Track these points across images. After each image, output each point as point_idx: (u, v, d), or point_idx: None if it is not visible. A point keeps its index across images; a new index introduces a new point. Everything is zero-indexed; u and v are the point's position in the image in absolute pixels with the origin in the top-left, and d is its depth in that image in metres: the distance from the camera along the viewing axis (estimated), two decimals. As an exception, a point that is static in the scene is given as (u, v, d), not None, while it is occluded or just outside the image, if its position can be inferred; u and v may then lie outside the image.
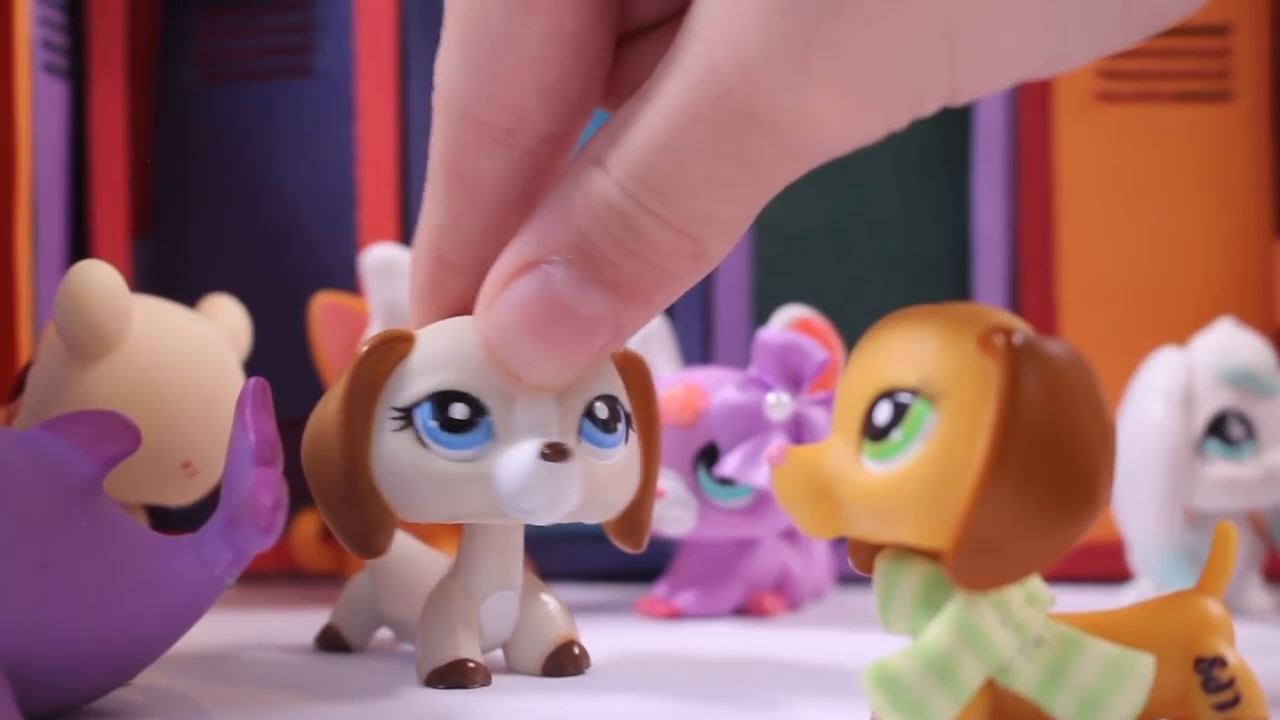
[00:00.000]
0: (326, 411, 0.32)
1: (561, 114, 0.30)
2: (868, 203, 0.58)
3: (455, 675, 0.33)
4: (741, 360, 0.53)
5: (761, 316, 0.52)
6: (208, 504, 0.33)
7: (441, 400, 0.31)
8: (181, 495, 0.41)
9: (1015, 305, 0.57)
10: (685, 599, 0.47)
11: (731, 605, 0.47)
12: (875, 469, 0.25)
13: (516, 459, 0.31)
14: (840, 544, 0.43)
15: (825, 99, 0.25)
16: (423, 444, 0.31)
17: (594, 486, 0.32)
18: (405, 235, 0.55)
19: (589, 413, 0.32)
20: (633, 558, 0.38)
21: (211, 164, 0.58)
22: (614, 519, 0.34)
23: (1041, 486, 0.23)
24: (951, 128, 0.57)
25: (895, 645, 0.25)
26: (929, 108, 0.26)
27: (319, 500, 0.32)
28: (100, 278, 0.38)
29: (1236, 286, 0.57)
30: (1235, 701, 0.26)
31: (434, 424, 0.31)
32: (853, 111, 0.25)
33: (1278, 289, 0.57)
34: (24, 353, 0.50)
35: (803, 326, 0.47)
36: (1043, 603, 0.25)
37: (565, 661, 0.34)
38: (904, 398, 0.24)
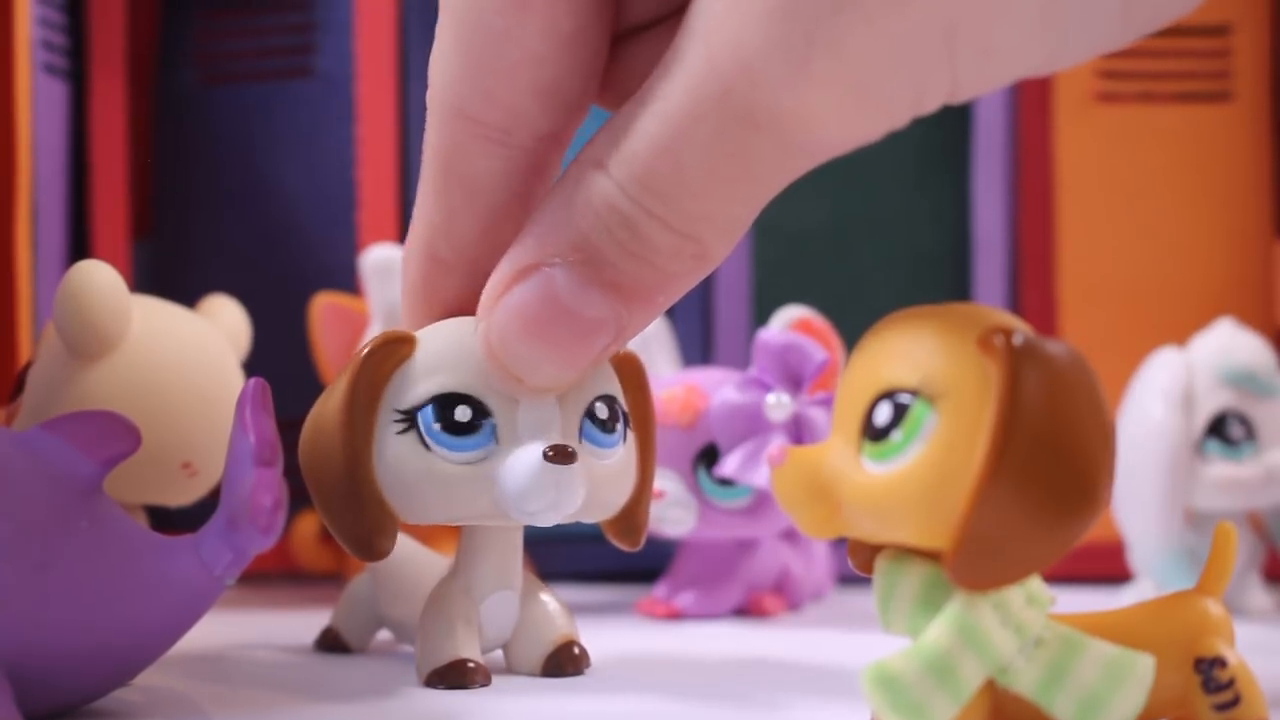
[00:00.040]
0: (325, 412, 0.32)
1: (557, 113, 0.30)
2: (868, 203, 0.58)
3: (455, 675, 0.33)
4: (741, 361, 0.53)
5: (761, 317, 0.52)
6: (208, 504, 0.33)
7: (445, 403, 0.31)
8: (181, 495, 0.41)
9: (1015, 305, 0.57)
10: (685, 599, 0.47)
11: (731, 606, 0.47)
12: (875, 469, 0.25)
13: (521, 461, 0.31)
14: (840, 544, 0.43)
15: (825, 98, 0.25)
16: (426, 446, 0.31)
17: (593, 487, 0.32)
18: (405, 236, 0.55)
19: (590, 413, 0.32)
20: (633, 558, 0.38)
21: (211, 165, 0.58)
22: (612, 518, 0.34)
23: (1041, 487, 0.23)
24: (951, 127, 0.57)
25: (895, 646, 0.25)
26: (929, 107, 0.26)
27: (318, 502, 0.32)
28: (100, 278, 0.38)
29: (1236, 286, 0.57)
30: (1235, 702, 0.26)
31: (437, 426, 0.31)
32: (853, 111, 0.25)
33: (1278, 289, 0.57)
34: (24, 353, 0.50)
35: (803, 327, 0.47)
36: (1043, 603, 0.25)
37: (565, 661, 0.34)
38: (904, 398, 0.24)
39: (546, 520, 0.32)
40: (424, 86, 0.31)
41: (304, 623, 0.43)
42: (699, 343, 0.57)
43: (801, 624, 0.46)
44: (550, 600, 0.35)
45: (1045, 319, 0.56)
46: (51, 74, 0.54)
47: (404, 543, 0.38)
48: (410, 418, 0.32)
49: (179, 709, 0.32)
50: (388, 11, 0.56)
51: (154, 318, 0.40)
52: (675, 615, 0.47)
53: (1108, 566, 0.52)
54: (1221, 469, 0.46)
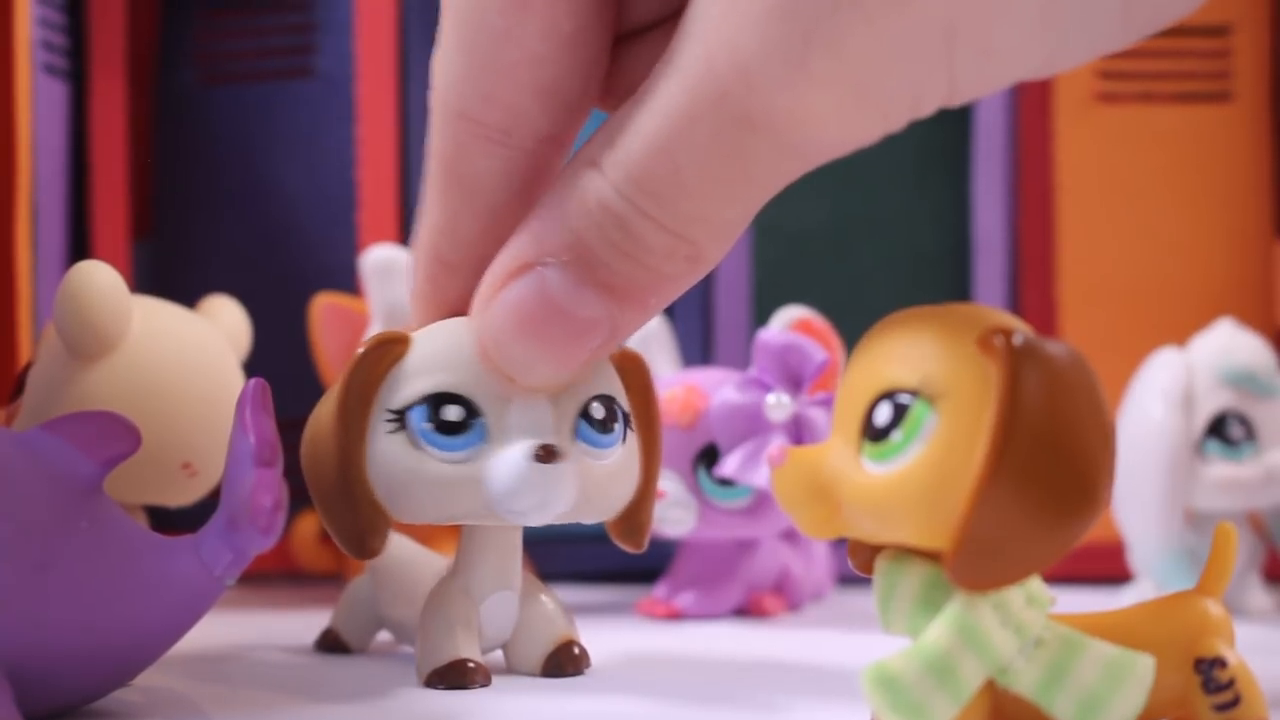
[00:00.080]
0: (323, 413, 0.32)
1: (558, 114, 0.30)
2: (868, 203, 0.58)
3: (455, 675, 0.33)
4: (741, 361, 0.53)
5: (761, 317, 0.52)
6: (208, 504, 0.33)
7: (435, 402, 0.31)
8: (181, 496, 0.41)
9: (1015, 305, 0.57)
10: (685, 599, 0.47)
11: (731, 606, 0.47)
12: (875, 470, 0.25)
13: (507, 460, 0.31)
14: (840, 544, 0.43)
15: (823, 100, 0.25)
16: (416, 446, 0.31)
17: (591, 487, 0.32)
18: (405, 236, 0.55)
19: (584, 413, 0.32)
20: (633, 558, 0.38)
21: (211, 165, 0.58)
22: (615, 519, 0.34)
23: (1041, 487, 0.23)
24: (951, 128, 0.57)
25: (895, 646, 0.25)
26: (927, 108, 0.26)
27: (316, 501, 0.32)
28: (100, 278, 0.38)
29: (1236, 286, 0.57)
30: (1235, 702, 0.26)
31: (427, 426, 0.31)
32: (851, 112, 0.25)
33: (1278, 289, 0.57)
34: (24, 353, 0.50)
35: (803, 327, 0.47)
36: (1043, 603, 0.25)
37: (565, 661, 0.34)
38: (904, 398, 0.24)
39: (536, 520, 0.32)
40: (424, 87, 0.31)
41: (304, 623, 0.43)
42: (699, 343, 0.57)
43: (801, 624, 0.46)
44: (550, 600, 0.35)
45: (1045, 319, 0.56)
46: (51, 74, 0.54)
47: (404, 544, 0.38)
48: (401, 417, 0.32)
49: (179, 709, 0.32)
50: (388, 11, 0.56)
51: (154, 318, 0.40)
52: (675, 615, 0.47)
53: (1108, 567, 0.52)
54: (1221, 469, 0.46)
